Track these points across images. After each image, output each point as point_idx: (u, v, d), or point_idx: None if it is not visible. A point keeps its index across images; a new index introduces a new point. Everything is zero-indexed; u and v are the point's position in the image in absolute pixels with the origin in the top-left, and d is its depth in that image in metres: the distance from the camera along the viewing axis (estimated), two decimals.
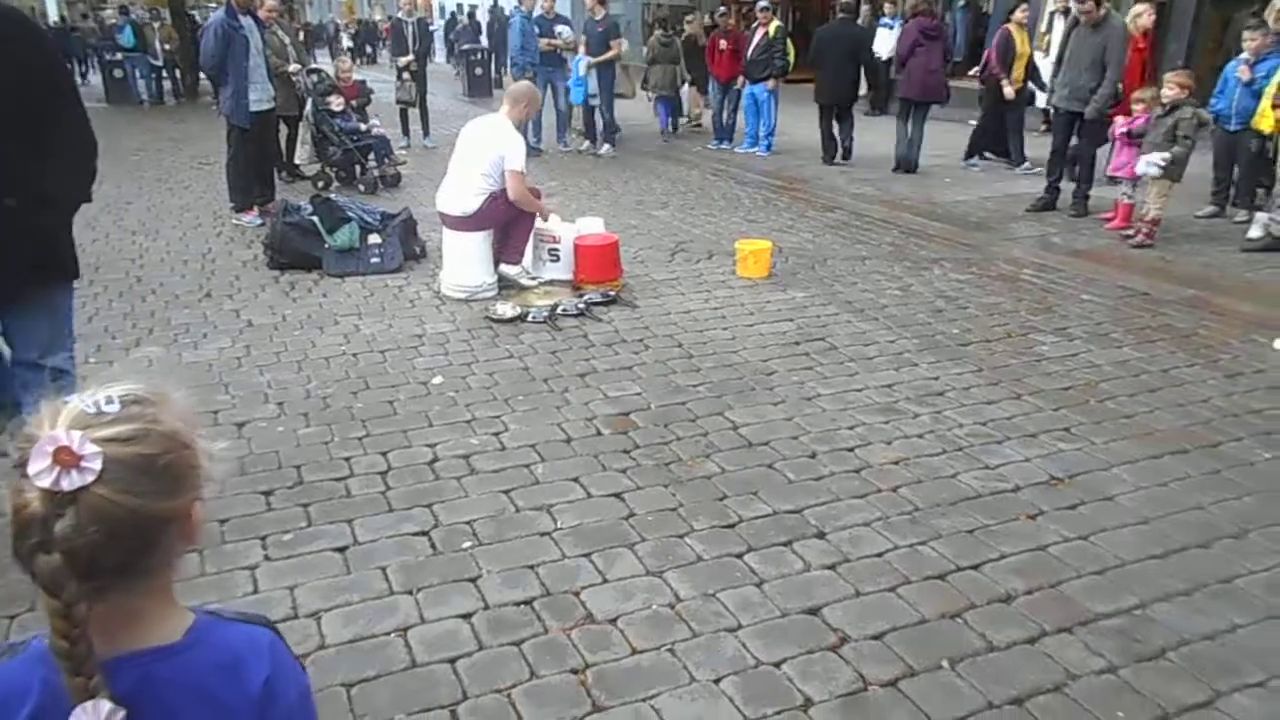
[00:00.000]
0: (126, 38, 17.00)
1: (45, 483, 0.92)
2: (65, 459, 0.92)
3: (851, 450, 3.70)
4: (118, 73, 16.89)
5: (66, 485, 0.92)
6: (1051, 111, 7.79)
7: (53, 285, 2.90)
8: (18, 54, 2.61)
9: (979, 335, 5.00)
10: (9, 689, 0.98)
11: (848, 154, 10.40)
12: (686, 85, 13.19)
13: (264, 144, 7.68)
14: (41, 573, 0.93)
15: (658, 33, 12.14)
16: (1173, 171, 6.45)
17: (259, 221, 7.39)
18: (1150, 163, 6.46)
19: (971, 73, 12.53)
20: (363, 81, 10.65)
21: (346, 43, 29.22)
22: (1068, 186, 7.78)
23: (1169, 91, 6.42)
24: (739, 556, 3.00)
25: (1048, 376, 4.41)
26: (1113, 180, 7.37)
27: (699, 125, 13.21)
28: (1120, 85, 7.12)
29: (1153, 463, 3.59)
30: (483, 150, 5.49)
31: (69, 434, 0.93)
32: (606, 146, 11.42)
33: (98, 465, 0.93)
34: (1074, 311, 5.35)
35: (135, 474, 0.95)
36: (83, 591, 0.93)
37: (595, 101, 11.33)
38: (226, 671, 1.04)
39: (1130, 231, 6.83)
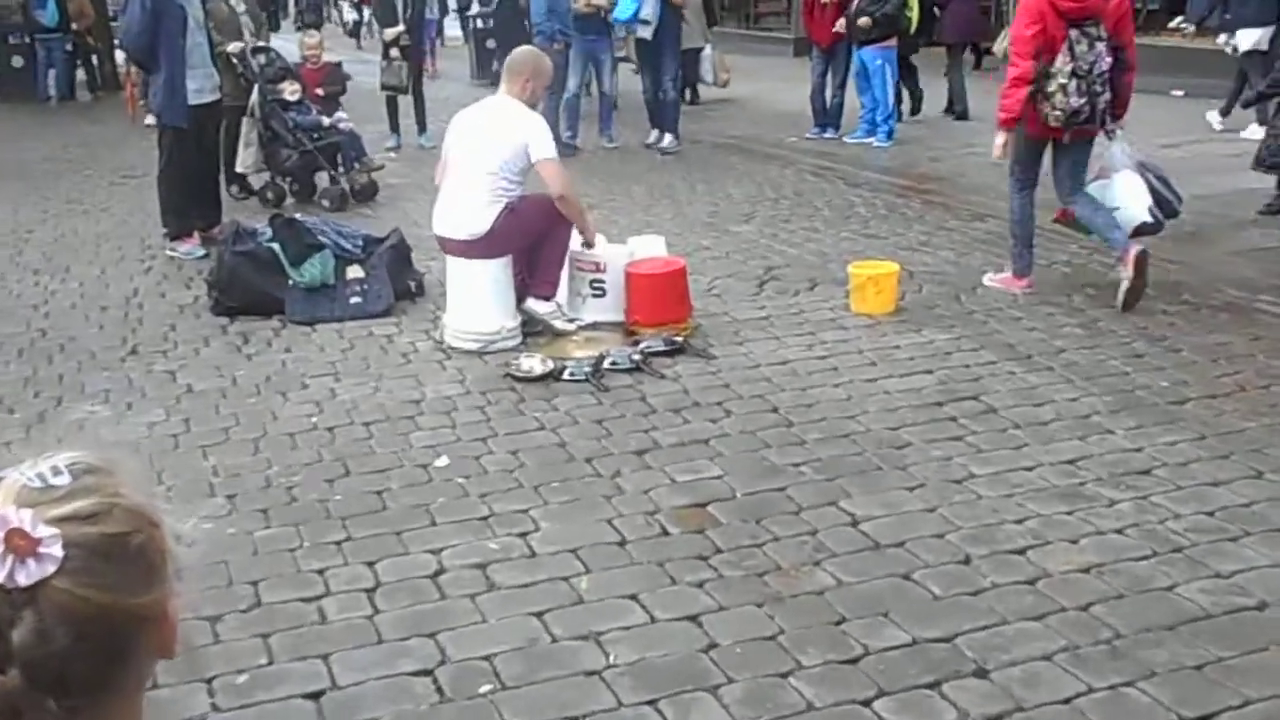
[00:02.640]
0: (50, 15, 17.20)
1: None
2: (19, 545, 0.92)
3: (1021, 553, 3.66)
4: (16, 60, 17.42)
5: (23, 579, 0.92)
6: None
7: None
8: None
9: (1198, 389, 4.94)
10: None
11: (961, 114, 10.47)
12: (710, 46, 13.41)
13: (207, 149, 7.99)
14: None
15: None
16: None
17: (201, 252, 7.64)
18: None
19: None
20: (338, 65, 11.06)
21: (350, 13, 29.65)
22: None
23: None
24: (866, 704, 2.98)
25: None
26: None
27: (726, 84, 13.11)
28: None
29: None
30: (489, 145, 5.61)
31: (18, 513, 0.93)
32: (668, 138, 11.63)
33: (58, 551, 0.93)
34: None
35: (103, 561, 0.96)
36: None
37: (647, 33, 11.13)
38: None
39: None
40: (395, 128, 12.10)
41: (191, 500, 4.16)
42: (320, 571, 3.67)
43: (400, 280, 6.57)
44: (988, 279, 6.55)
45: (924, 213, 8.46)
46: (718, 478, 4.23)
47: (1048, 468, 4.24)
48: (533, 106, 5.75)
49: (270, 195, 9.21)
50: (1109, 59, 5.83)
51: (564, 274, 5.96)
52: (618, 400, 5.02)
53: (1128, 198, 6.11)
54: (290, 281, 6.32)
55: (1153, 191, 6.13)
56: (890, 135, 11.27)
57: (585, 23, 11.30)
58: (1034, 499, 4.01)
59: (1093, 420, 4.66)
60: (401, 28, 11.56)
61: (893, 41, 11.07)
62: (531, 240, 5.77)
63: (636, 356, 5.39)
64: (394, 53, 11.62)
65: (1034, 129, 6.06)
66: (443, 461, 4.44)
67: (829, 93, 11.91)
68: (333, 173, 9.31)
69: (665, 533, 3.85)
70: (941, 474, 4.22)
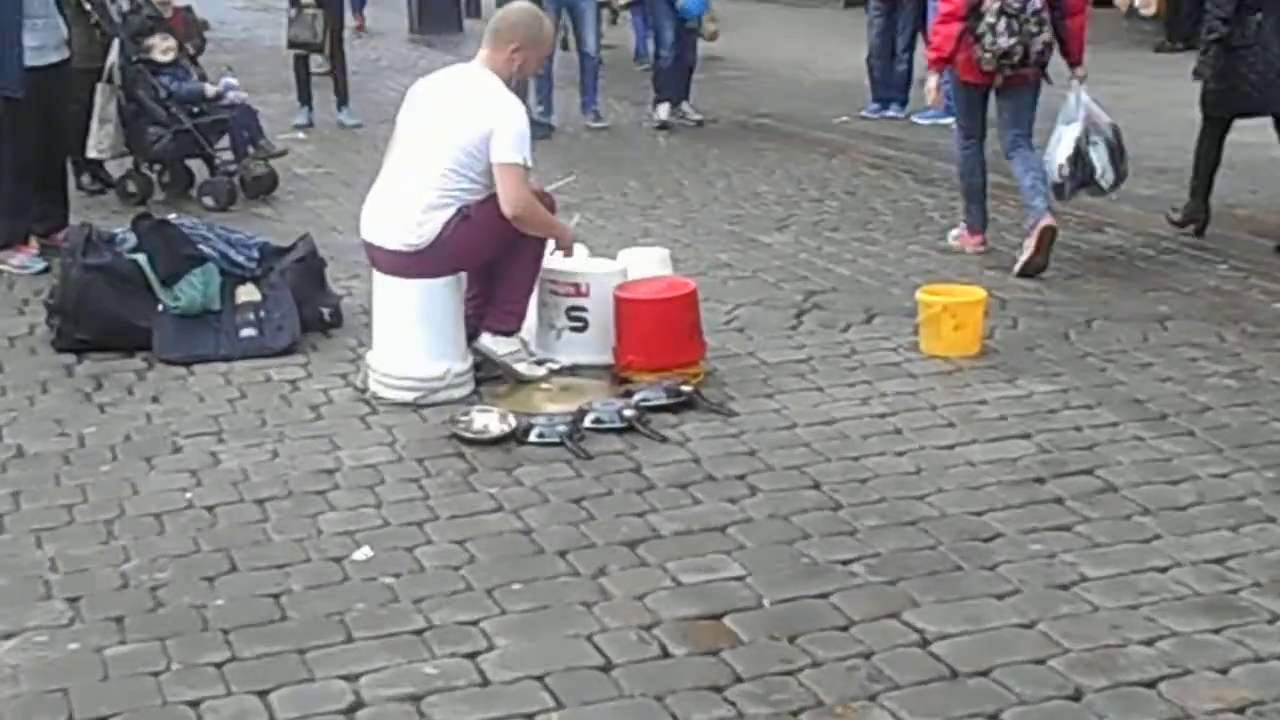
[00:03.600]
0: None
1: None
2: None
3: (1151, 685, 3.64)
4: None
5: None
6: None
7: None
8: None
9: None
10: None
11: None
12: None
13: (50, 126, 7.98)
14: None
15: None
16: None
17: (40, 265, 7.68)
18: None
19: None
20: (188, 9, 11.07)
21: None
22: None
23: None
24: None
25: None
26: None
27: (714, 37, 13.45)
28: None
29: None
30: (449, 129, 5.66)
31: None
32: (663, 108, 11.81)
33: None
34: None
35: None
36: None
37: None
38: None
39: None
40: (306, 99, 12.18)
41: (18, 605, 4.13)
42: (194, 704, 3.64)
43: (310, 306, 6.58)
44: (951, 236, 8.05)
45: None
46: (738, 579, 4.22)
47: (1187, 568, 4.22)
48: (512, 85, 5.81)
49: (133, 189, 9.24)
50: None
51: (533, 299, 5.98)
52: (603, 471, 5.00)
53: (1053, 151, 7.49)
54: (160, 306, 6.32)
55: (1081, 155, 7.41)
56: None
57: None
58: (1168, 612, 3.98)
59: (1248, 504, 4.65)
60: None
61: None
62: (490, 256, 5.79)
63: (629, 412, 5.38)
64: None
65: (968, 74, 7.43)
66: (363, 554, 4.42)
67: (894, 55, 11.99)
68: (219, 159, 9.35)
69: (666, 654, 3.83)
70: (1042, 576, 4.19)
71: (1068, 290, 7.06)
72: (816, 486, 4.85)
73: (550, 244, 5.90)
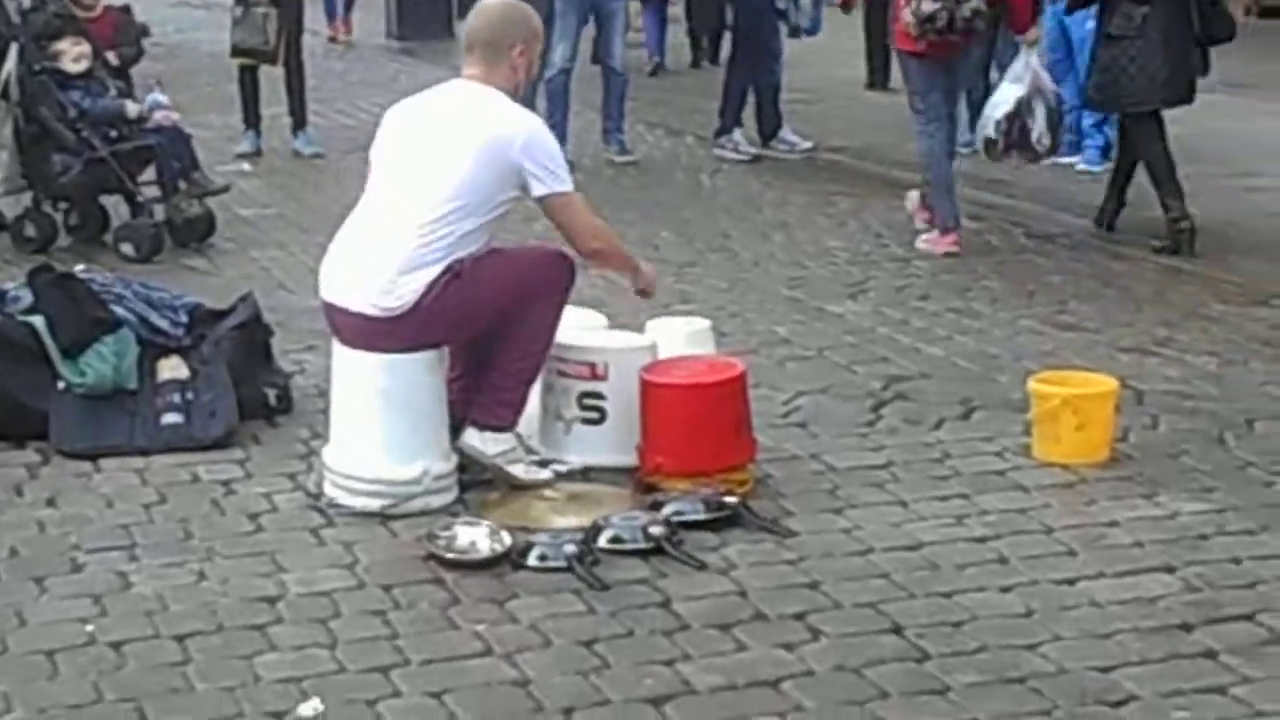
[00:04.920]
0: None
1: None
2: None
3: None
4: None
5: None
6: None
7: None
8: None
9: None
10: None
11: None
12: None
13: None
14: None
15: None
16: None
17: None
18: None
19: None
20: (126, 9, 11.19)
21: None
22: None
23: None
24: None
25: None
26: None
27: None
28: None
29: None
30: (447, 161, 5.68)
31: None
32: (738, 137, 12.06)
33: None
34: None
35: None
36: None
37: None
38: None
39: None
40: (253, 121, 12.29)
41: None
42: None
43: (250, 385, 6.61)
44: (920, 241, 9.48)
45: (1164, 289, 8.51)
46: None
47: None
48: (521, 96, 5.93)
49: (32, 232, 9.31)
50: None
51: (537, 382, 5.99)
52: (622, 606, 4.97)
53: (991, 108, 9.41)
54: (60, 383, 6.35)
55: (1020, 115, 9.23)
56: (1106, 152, 11.37)
57: None
58: None
59: None
60: None
61: None
62: (483, 328, 5.80)
63: (656, 530, 5.36)
64: None
65: (903, 42, 9.30)
66: (311, 708, 4.40)
67: (994, 78, 12.05)
68: (141, 196, 9.41)
69: None
70: None
71: (1222, 381, 7.02)
72: (897, 630, 4.80)
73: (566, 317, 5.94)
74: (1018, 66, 9.31)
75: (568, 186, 5.81)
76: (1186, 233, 9.19)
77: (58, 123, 9.04)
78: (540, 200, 5.76)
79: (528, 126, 5.78)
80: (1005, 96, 9.26)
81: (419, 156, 5.76)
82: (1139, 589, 5.06)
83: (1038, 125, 9.24)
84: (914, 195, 9.90)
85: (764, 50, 12.10)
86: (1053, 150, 9.54)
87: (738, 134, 12.25)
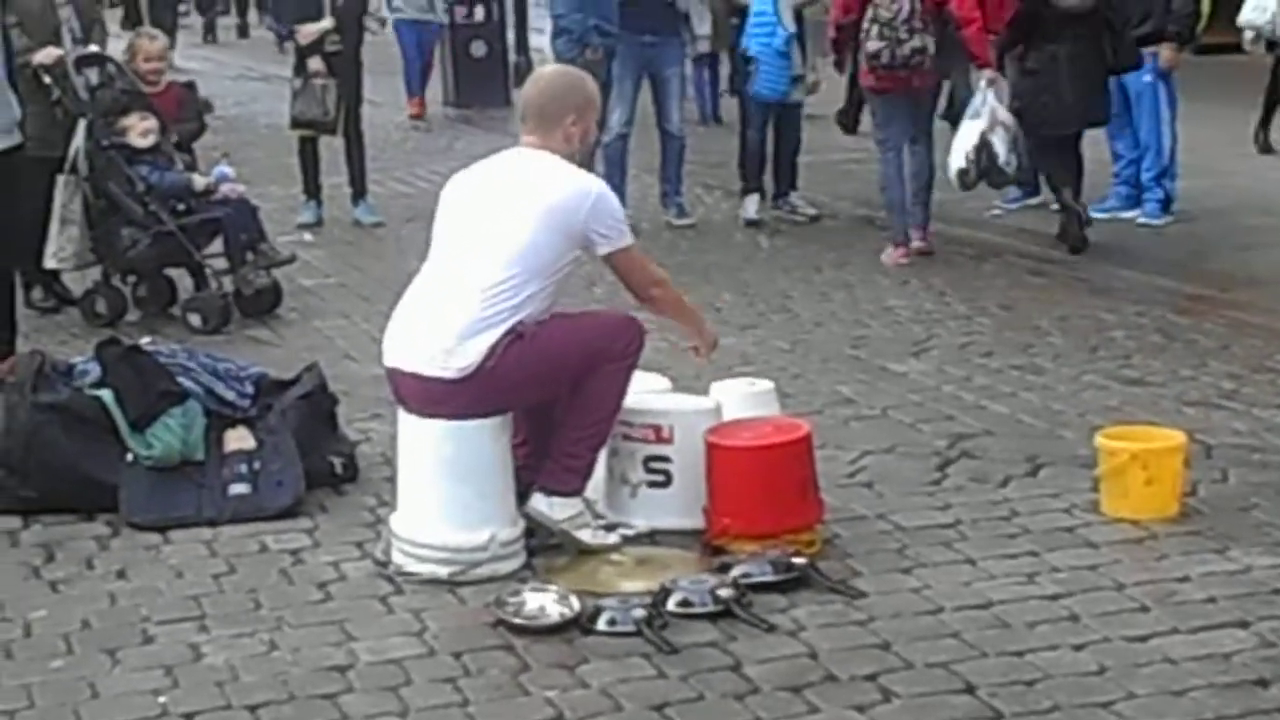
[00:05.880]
0: None
1: None
2: None
3: None
4: None
5: None
6: None
7: None
8: None
9: None
10: None
11: None
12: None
13: None
14: None
15: None
16: None
17: None
18: None
19: None
20: (190, 85, 11.26)
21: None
22: None
23: None
24: None
25: None
26: None
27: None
28: None
29: None
30: (510, 225, 5.70)
31: None
32: (751, 202, 12.13)
33: None
34: None
35: None
36: None
37: (800, 94, 12.09)
38: None
39: None
40: (313, 192, 12.34)
41: None
42: None
43: (317, 455, 6.61)
44: (884, 257, 10.78)
45: (1229, 341, 8.45)
46: None
47: None
48: (579, 162, 5.96)
49: (102, 307, 9.36)
50: (910, 7, 10.17)
51: (604, 448, 5.98)
52: (692, 670, 4.94)
53: (957, 142, 10.47)
54: (129, 456, 6.36)
55: (985, 144, 10.29)
56: (1167, 205, 11.33)
57: (640, 13, 11.61)
58: None
59: None
60: (328, 23, 11.89)
61: (1172, 48, 11.17)
62: (549, 392, 5.82)
63: (725, 592, 5.34)
64: (314, 64, 11.92)
65: (865, 79, 11.00)
66: None
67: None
68: (209, 268, 9.47)
69: None
70: None
71: None
72: (970, 690, 4.76)
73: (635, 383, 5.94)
74: (976, 103, 10.46)
75: (630, 240, 5.89)
76: (1075, 219, 10.68)
77: (126, 197, 9.08)
78: (604, 257, 5.83)
79: (593, 191, 5.81)
80: (969, 131, 10.40)
81: (480, 223, 5.78)
82: (1213, 645, 5.00)
83: (1002, 152, 10.31)
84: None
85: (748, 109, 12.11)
86: (1019, 169, 10.57)
87: (794, 196, 12.26)
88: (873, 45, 10.31)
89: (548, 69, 6.26)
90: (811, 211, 12.19)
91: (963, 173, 10.44)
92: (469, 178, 6.04)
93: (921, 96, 10.75)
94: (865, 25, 10.35)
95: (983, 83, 10.51)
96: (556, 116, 5.87)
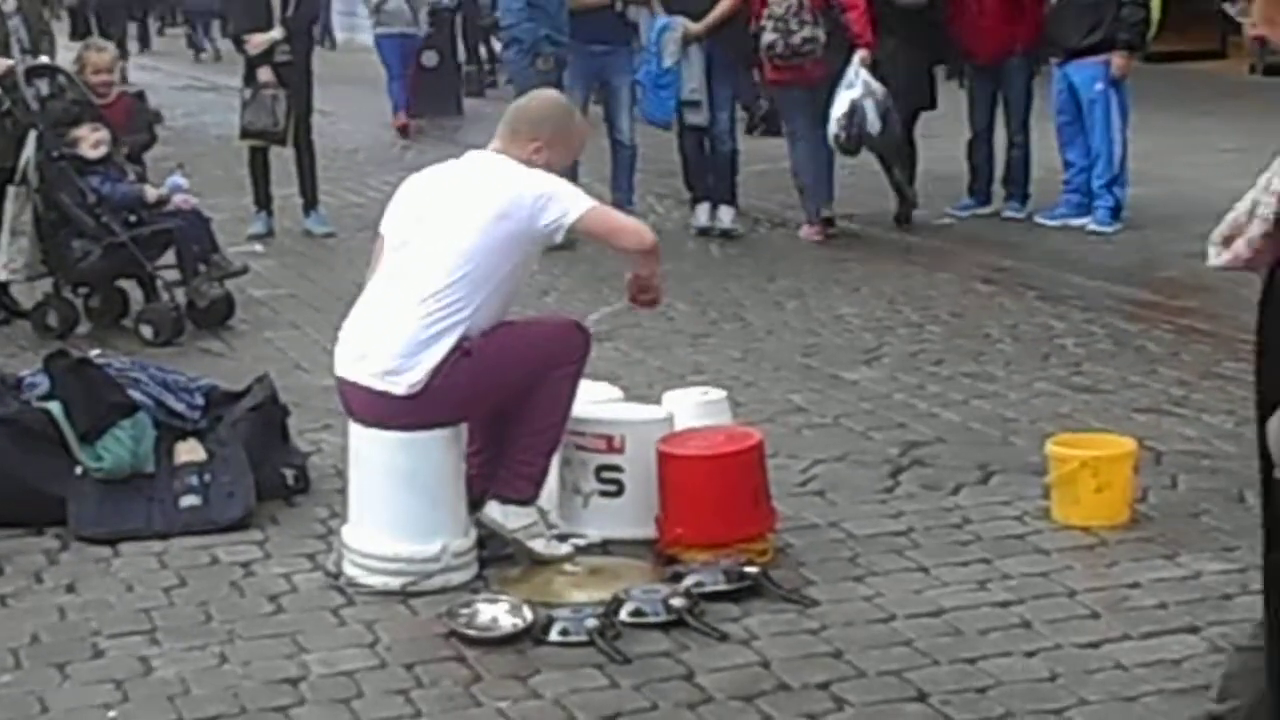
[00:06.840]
0: None
1: None
2: None
3: None
4: None
5: None
6: None
7: None
8: None
9: None
10: None
11: None
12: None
13: None
14: None
15: None
16: None
17: None
18: None
19: None
20: (139, 95, 11.18)
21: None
22: None
23: None
24: None
25: None
26: None
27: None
28: None
29: None
30: (454, 228, 5.66)
31: None
32: (728, 212, 12.05)
33: None
34: None
35: None
36: None
37: (698, 118, 11.92)
38: None
39: None
40: (264, 202, 12.30)
41: None
42: None
43: (268, 467, 6.57)
44: (802, 234, 11.95)
45: (1179, 348, 8.50)
46: None
47: None
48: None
49: (52, 320, 9.30)
50: (799, 1, 11.09)
51: (556, 456, 5.97)
52: (645, 679, 4.92)
53: (833, 110, 11.13)
54: (78, 469, 6.32)
55: (855, 110, 11.04)
56: (1117, 213, 11.39)
57: (591, 23, 11.65)
58: None
59: None
60: (277, 33, 11.84)
61: (1123, 56, 11.21)
62: (500, 402, 5.79)
63: (677, 602, 5.32)
64: (263, 75, 11.87)
65: (767, 74, 12.09)
66: None
67: (1002, 139, 12.11)
68: (161, 279, 9.43)
69: None
70: None
71: (1241, 439, 6.95)
72: (922, 698, 4.75)
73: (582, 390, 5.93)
74: (849, 75, 11.12)
75: (590, 203, 5.80)
76: (902, 196, 12.17)
77: (78, 209, 9.01)
78: (572, 221, 5.68)
79: (533, 173, 5.71)
80: (843, 99, 11.12)
81: (431, 226, 5.73)
82: (1163, 651, 5.01)
83: (871, 114, 11.06)
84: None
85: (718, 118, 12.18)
86: (884, 133, 11.24)
87: (723, 209, 12.07)
88: (767, 38, 11.21)
89: (548, 93, 6.22)
90: (729, 226, 12.03)
91: (836, 137, 11.20)
92: (421, 181, 6.00)
93: (817, 86, 11.33)
94: (762, 21, 11.23)
95: (856, 58, 11.14)
96: (523, 136, 5.83)
